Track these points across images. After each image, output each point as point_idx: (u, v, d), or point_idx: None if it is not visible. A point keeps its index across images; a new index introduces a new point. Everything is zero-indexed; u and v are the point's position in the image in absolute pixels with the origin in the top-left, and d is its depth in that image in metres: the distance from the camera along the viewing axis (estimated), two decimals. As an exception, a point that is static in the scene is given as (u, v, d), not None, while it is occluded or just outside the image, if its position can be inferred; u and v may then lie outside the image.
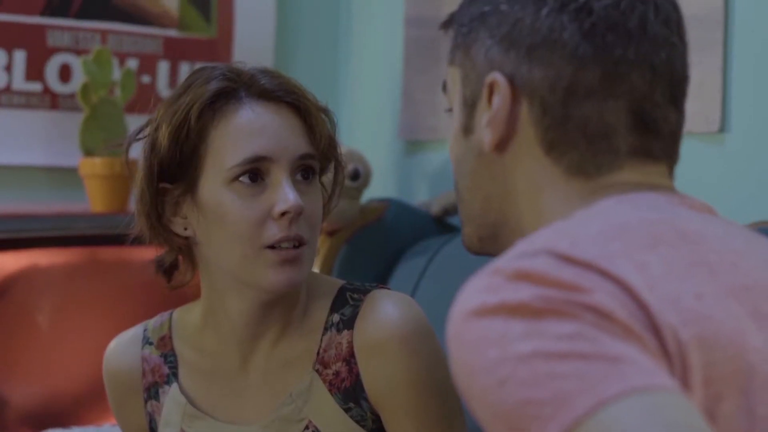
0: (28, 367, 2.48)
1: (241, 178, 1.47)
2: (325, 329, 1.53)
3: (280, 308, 1.53)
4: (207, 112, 1.49)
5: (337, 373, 1.51)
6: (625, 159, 1.09)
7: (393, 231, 2.54)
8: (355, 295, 1.54)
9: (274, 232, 1.46)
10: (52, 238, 2.52)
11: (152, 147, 1.51)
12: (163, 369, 1.60)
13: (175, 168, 1.50)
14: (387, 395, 1.50)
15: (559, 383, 0.86)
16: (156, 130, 1.51)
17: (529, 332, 0.89)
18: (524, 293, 0.91)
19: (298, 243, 1.48)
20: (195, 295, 1.61)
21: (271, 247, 1.46)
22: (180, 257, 1.59)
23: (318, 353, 1.53)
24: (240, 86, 1.51)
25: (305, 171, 1.51)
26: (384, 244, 2.52)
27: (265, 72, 1.53)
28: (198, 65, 2.86)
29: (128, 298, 2.54)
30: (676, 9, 1.13)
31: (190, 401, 1.57)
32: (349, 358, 1.51)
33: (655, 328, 0.91)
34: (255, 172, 1.47)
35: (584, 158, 1.09)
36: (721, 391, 0.92)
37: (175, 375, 1.59)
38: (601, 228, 1.00)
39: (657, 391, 0.85)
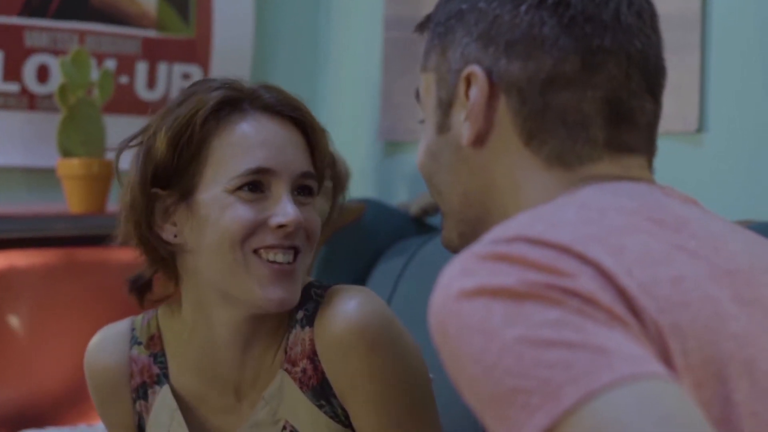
0: (5, 369, 2.47)
1: (242, 189, 1.46)
2: (291, 327, 1.52)
3: (267, 326, 1.52)
4: (211, 119, 1.47)
5: (304, 371, 1.50)
6: (603, 150, 1.10)
7: (371, 231, 2.54)
8: (318, 291, 1.52)
9: (267, 238, 1.45)
10: (30, 239, 2.51)
11: (148, 153, 1.49)
12: (152, 369, 1.58)
13: (171, 174, 1.48)
14: (351, 391, 1.48)
15: (546, 372, 0.85)
16: (153, 135, 1.49)
17: (512, 317, 0.88)
18: (503, 276, 0.90)
19: (294, 254, 1.47)
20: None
21: (260, 253, 1.45)
22: (155, 276, 1.57)
23: (285, 352, 1.52)
24: (244, 98, 1.50)
25: (303, 189, 1.50)
26: (363, 244, 2.52)
27: (267, 87, 1.53)
28: (176, 66, 2.88)
29: (106, 299, 2.53)
30: (648, 3, 1.15)
31: (181, 407, 1.56)
32: (313, 356, 1.49)
33: (635, 312, 0.91)
34: (256, 184, 1.46)
35: (564, 147, 1.09)
36: (699, 379, 0.92)
37: (166, 376, 1.58)
38: (577, 213, 1.00)
39: (647, 379, 0.85)
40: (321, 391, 1.49)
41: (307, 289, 1.53)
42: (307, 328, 1.50)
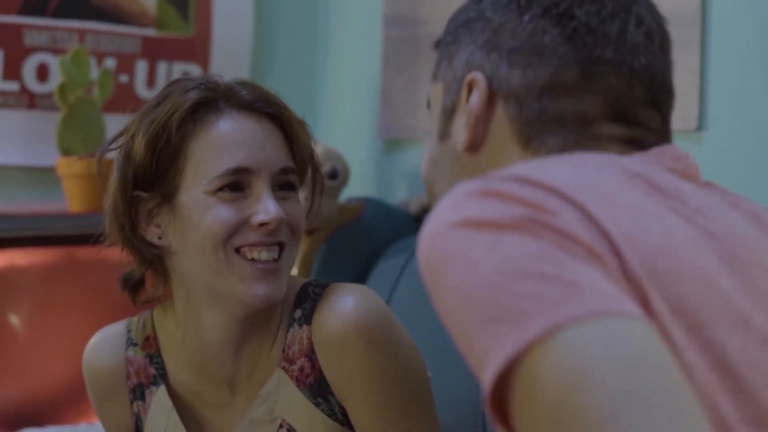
0: (5, 367, 2.48)
1: (222, 189, 1.46)
2: (289, 325, 1.52)
3: (259, 323, 1.52)
4: (187, 121, 1.47)
5: (301, 369, 1.51)
6: (610, 144, 1.09)
7: (371, 230, 2.54)
8: (316, 290, 1.53)
9: (250, 236, 1.46)
10: (30, 238, 2.51)
11: (127, 157, 1.49)
12: (149, 370, 1.59)
13: (152, 177, 1.48)
14: (349, 389, 1.48)
15: (518, 303, 0.86)
16: (131, 139, 1.49)
17: (491, 249, 0.89)
18: (487, 208, 0.91)
19: (278, 249, 1.47)
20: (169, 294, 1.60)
21: (243, 252, 1.45)
22: (147, 273, 1.57)
23: (283, 350, 1.52)
24: (219, 96, 1.49)
25: (284, 186, 1.50)
26: (362, 243, 2.52)
27: (243, 84, 1.52)
28: (176, 65, 2.88)
29: (106, 298, 2.53)
30: (660, 26, 1.14)
31: (177, 407, 1.57)
32: (311, 354, 1.50)
33: (617, 254, 0.91)
34: (236, 183, 1.46)
35: (567, 142, 1.09)
36: (688, 324, 0.92)
37: (163, 376, 1.58)
38: (576, 166, 1.00)
39: (617, 316, 0.85)
40: (318, 389, 1.50)
41: (305, 288, 1.54)
42: (305, 327, 1.50)
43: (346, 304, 1.49)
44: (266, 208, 1.45)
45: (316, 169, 1.59)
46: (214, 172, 1.45)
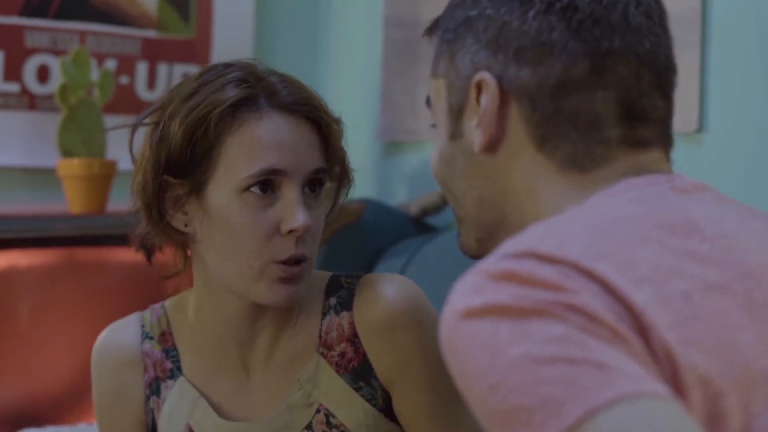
0: (5, 368, 2.48)
1: (252, 189, 1.46)
2: (324, 313, 1.54)
3: (276, 310, 1.53)
4: (227, 117, 1.47)
5: (342, 354, 1.52)
6: (617, 149, 1.10)
7: (372, 231, 2.54)
8: (349, 279, 1.55)
9: (282, 249, 1.46)
10: (30, 239, 2.51)
11: (162, 138, 1.49)
12: (165, 364, 1.59)
13: (184, 165, 1.48)
14: (399, 372, 1.51)
15: (548, 389, 0.86)
16: (168, 121, 1.48)
17: (517, 335, 0.89)
18: (510, 294, 0.91)
19: (302, 259, 1.48)
20: (175, 292, 1.60)
21: (281, 262, 1.46)
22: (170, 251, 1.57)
23: (320, 336, 1.53)
24: (260, 93, 1.49)
25: (314, 184, 1.51)
26: (363, 244, 2.52)
27: (284, 81, 1.52)
28: (177, 66, 2.88)
29: (106, 299, 2.54)
30: (657, 2, 1.15)
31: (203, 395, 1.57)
32: (353, 339, 1.52)
33: (641, 330, 0.91)
34: (267, 183, 1.46)
35: (577, 150, 1.09)
36: (714, 391, 0.92)
37: (180, 369, 1.59)
38: (588, 224, 1.00)
39: (647, 397, 0.85)
40: (361, 373, 1.52)
41: (335, 279, 1.56)
42: (343, 313, 1.52)
43: (391, 288, 1.52)
44: (295, 215, 1.45)
45: (344, 171, 1.59)
46: (246, 172, 1.45)
